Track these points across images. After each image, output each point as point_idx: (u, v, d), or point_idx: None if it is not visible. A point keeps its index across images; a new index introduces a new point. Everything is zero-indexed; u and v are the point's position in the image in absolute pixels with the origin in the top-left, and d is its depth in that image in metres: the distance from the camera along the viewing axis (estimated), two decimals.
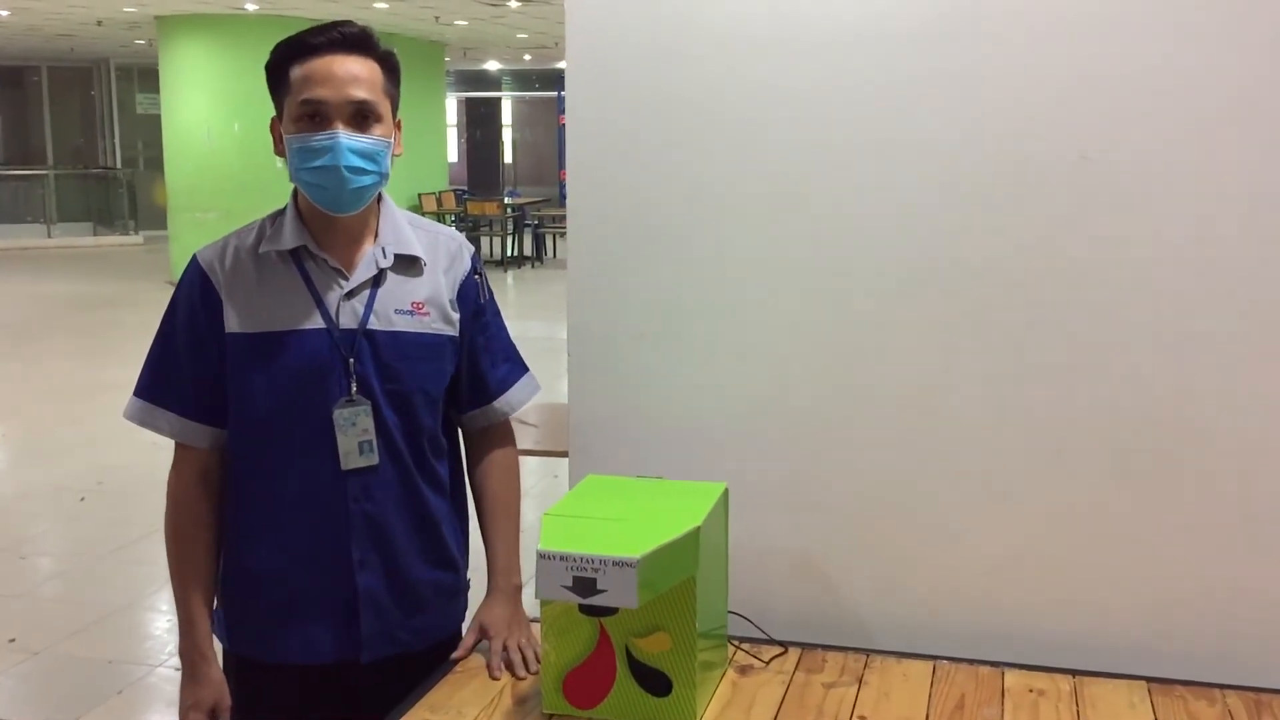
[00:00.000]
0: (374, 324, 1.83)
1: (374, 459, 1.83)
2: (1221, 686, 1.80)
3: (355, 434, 1.81)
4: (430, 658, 1.89)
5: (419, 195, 15.80)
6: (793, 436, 2.05)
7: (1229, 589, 1.89)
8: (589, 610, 1.67)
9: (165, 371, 1.87)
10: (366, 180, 1.79)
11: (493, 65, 23.20)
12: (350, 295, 1.83)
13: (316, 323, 1.81)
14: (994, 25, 1.88)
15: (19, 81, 20.65)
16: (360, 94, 1.78)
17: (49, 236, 18.68)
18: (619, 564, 1.55)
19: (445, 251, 1.93)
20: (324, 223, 1.84)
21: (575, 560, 1.57)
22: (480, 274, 1.97)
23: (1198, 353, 1.86)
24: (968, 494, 1.98)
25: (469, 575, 2.04)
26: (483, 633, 1.91)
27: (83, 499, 5.97)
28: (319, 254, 1.83)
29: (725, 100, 2.00)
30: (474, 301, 1.94)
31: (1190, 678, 1.82)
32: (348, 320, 1.82)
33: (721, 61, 2.00)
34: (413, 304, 1.86)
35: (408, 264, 1.88)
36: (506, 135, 26.67)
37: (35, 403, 8.16)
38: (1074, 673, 1.84)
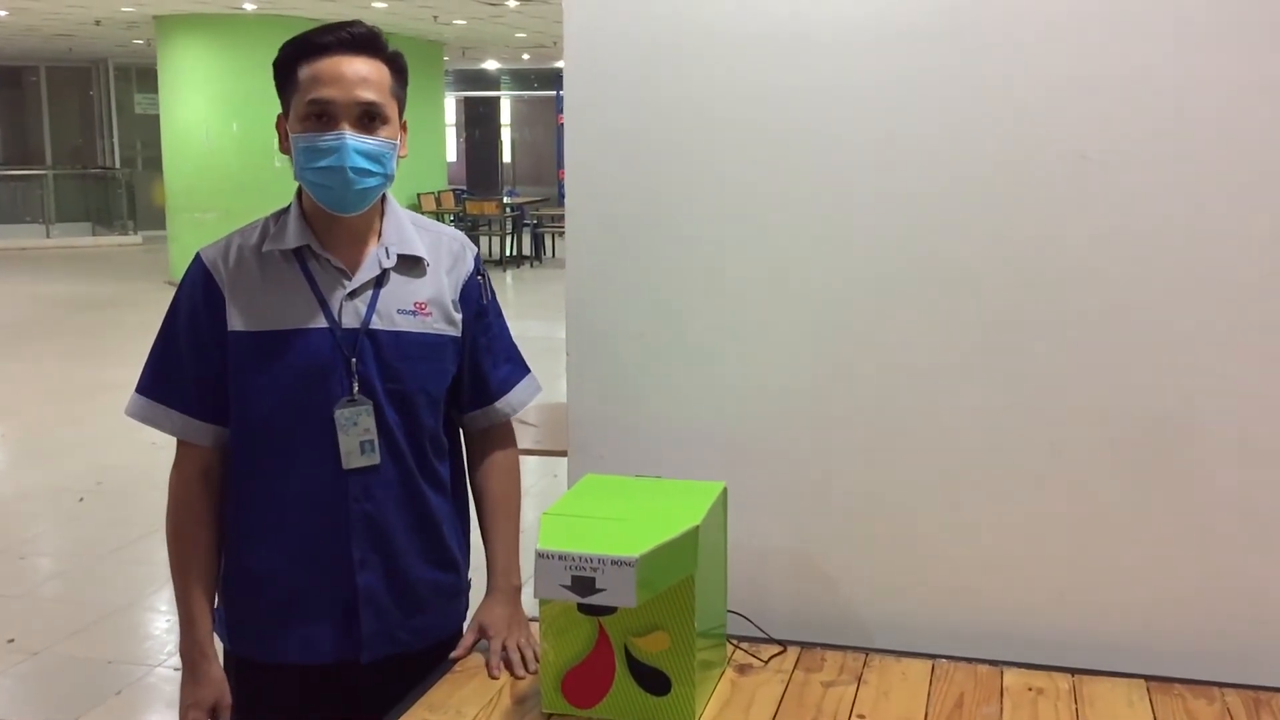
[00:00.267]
0: (376, 324, 1.84)
1: (375, 459, 1.83)
2: (1220, 685, 1.80)
3: (357, 434, 1.82)
4: (430, 658, 1.89)
5: (418, 195, 15.79)
6: (792, 436, 2.05)
7: (1227, 587, 1.89)
8: (588, 609, 1.67)
9: (167, 369, 1.87)
10: (371, 181, 1.79)
11: (491, 65, 23.19)
12: (353, 295, 1.84)
13: (319, 322, 1.82)
14: (993, 25, 1.88)
15: (17, 82, 20.64)
16: (368, 95, 1.78)
17: (48, 237, 18.67)
18: (618, 563, 1.55)
19: (448, 252, 1.93)
20: (328, 222, 1.84)
21: (574, 559, 1.57)
22: (483, 275, 1.98)
23: (1196, 351, 1.86)
24: (967, 493, 1.98)
25: (470, 575, 2.04)
26: (482, 632, 1.91)
27: (82, 499, 5.96)
28: (322, 254, 1.84)
29: (724, 99, 2.00)
30: (476, 302, 1.95)
31: (1189, 676, 1.82)
32: (350, 320, 1.83)
33: (720, 61, 2.00)
34: (415, 304, 1.86)
35: (411, 264, 1.88)
36: (505, 135, 26.67)
37: (34, 403, 8.16)
38: (1073, 671, 1.84)
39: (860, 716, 1.72)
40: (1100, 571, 1.93)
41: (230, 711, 1.87)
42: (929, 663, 1.88)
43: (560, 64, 2.08)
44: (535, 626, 1.91)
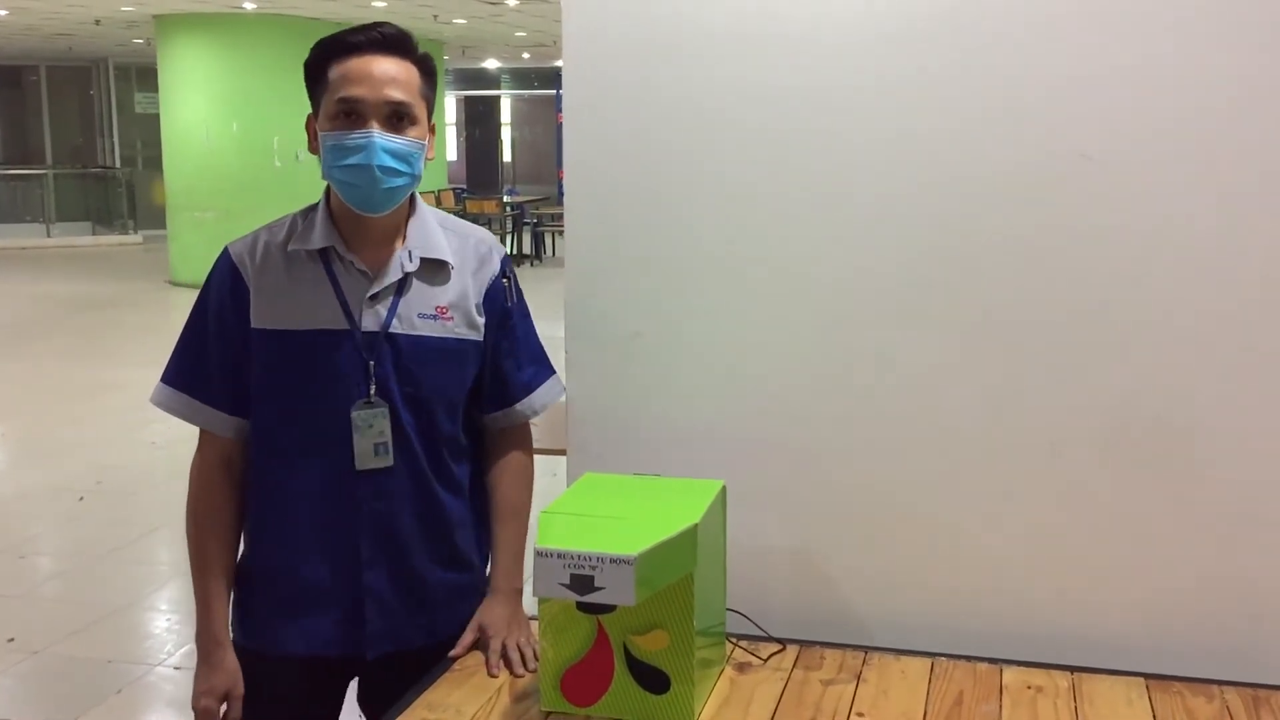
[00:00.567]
0: (396, 327, 1.84)
1: (389, 460, 1.84)
2: (1219, 683, 1.80)
3: (372, 436, 1.83)
4: (439, 654, 1.90)
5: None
6: (791, 434, 2.05)
7: (1227, 585, 1.89)
8: (587, 608, 1.67)
9: (192, 360, 1.89)
10: (399, 181, 1.80)
11: (491, 63, 23.19)
12: (375, 298, 1.84)
13: (340, 324, 1.83)
14: (992, 23, 1.88)
15: (17, 81, 20.64)
16: (397, 95, 1.79)
17: (48, 236, 18.67)
18: (616, 561, 1.55)
19: (474, 254, 1.94)
20: (354, 223, 1.85)
21: (573, 558, 1.57)
22: (509, 276, 1.98)
23: (1195, 350, 1.86)
24: (966, 491, 1.98)
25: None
26: (481, 632, 1.91)
27: (82, 499, 5.96)
28: (347, 255, 1.85)
29: (722, 98, 2.00)
30: (501, 304, 1.95)
31: (1188, 674, 1.82)
32: (370, 323, 1.83)
33: (719, 60, 2.00)
34: (437, 308, 1.87)
35: (434, 268, 1.89)
36: (505, 133, 26.66)
37: (34, 403, 8.15)
38: (1072, 669, 1.84)
39: (859, 715, 1.72)
40: (1099, 569, 1.93)
41: (241, 701, 1.89)
42: (928, 661, 1.88)
43: (560, 63, 2.08)
44: (535, 625, 1.91)
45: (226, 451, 1.90)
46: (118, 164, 20.26)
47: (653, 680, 1.69)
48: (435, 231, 1.91)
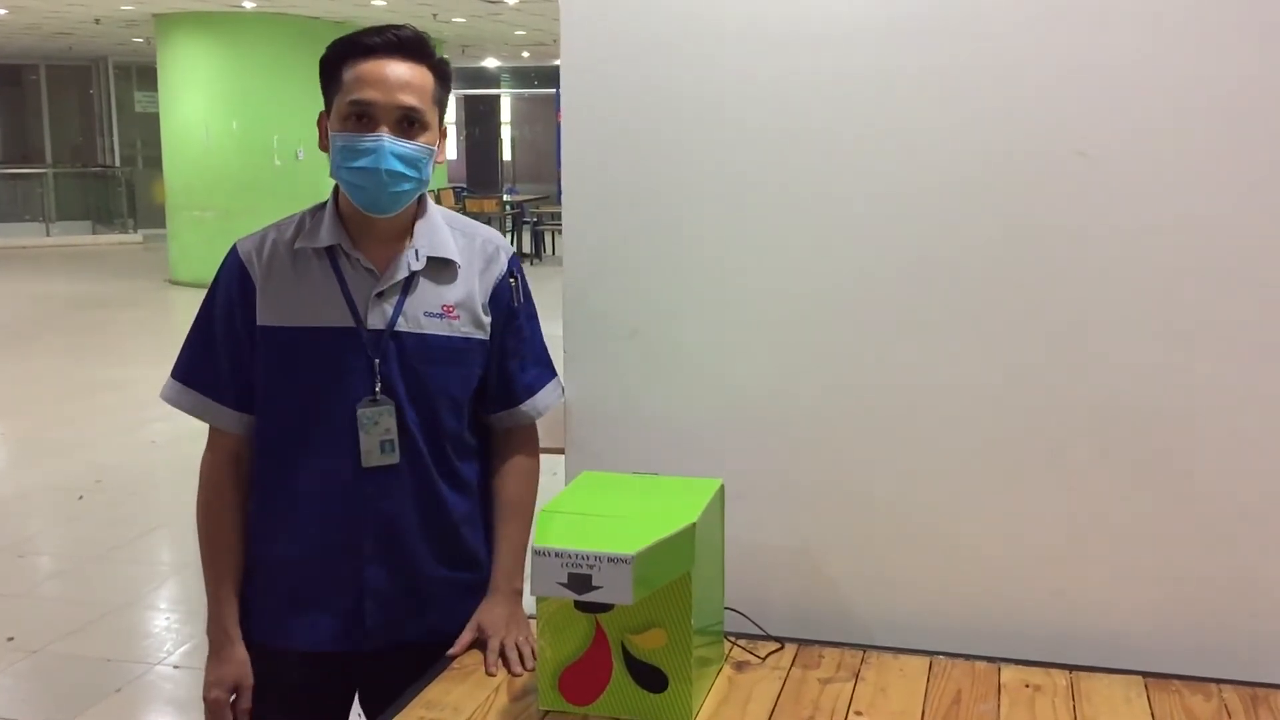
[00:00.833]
0: (402, 326, 1.85)
1: (394, 458, 1.85)
2: (1218, 681, 1.80)
3: (377, 433, 1.83)
4: (438, 650, 1.90)
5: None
6: (789, 432, 2.04)
7: (1225, 584, 1.89)
8: (584, 606, 1.67)
9: (200, 357, 1.91)
10: (406, 185, 1.81)
11: (491, 62, 23.19)
12: (381, 296, 1.85)
13: (345, 321, 1.83)
14: (989, 19, 1.88)
15: (17, 80, 20.63)
16: (409, 100, 1.79)
17: (47, 235, 18.67)
18: (614, 560, 1.55)
19: (481, 254, 1.94)
20: (361, 222, 1.86)
21: (570, 556, 1.57)
22: (516, 277, 1.98)
23: (1194, 348, 1.86)
24: (964, 490, 1.98)
25: None
26: (480, 632, 1.91)
27: (81, 498, 5.96)
28: (353, 253, 1.85)
29: (720, 96, 2.00)
30: (507, 304, 1.95)
31: (1186, 672, 1.82)
32: (376, 321, 1.84)
33: (716, 57, 2.00)
34: (443, 307, 1.87)
35: (441, 267, 1.89)
36: (505, 132, 26.66)
37: (34, 402, 8.15)
38: (1070, 668, 1.84)
39: (858, 714, 1.72)
40: (1098, 568, 1.93)
41: (250, 693, 1.90)
42: (926, 659, 1.88)
43: (560, 61, 2.08)
44: (533, 625, 1.91)
45: (235, 448, 1.91)
46: (117, 163, 20.25)
47: (651, 679, 1.69)
48: (443, 231, 1.92)
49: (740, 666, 1.87)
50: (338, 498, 1.86)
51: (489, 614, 1.92)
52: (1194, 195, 1.84)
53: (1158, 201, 1.85)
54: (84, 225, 19.37)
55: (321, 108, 1.87)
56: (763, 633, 1.95)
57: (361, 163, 1.78)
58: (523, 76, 25.14)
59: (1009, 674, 1.83)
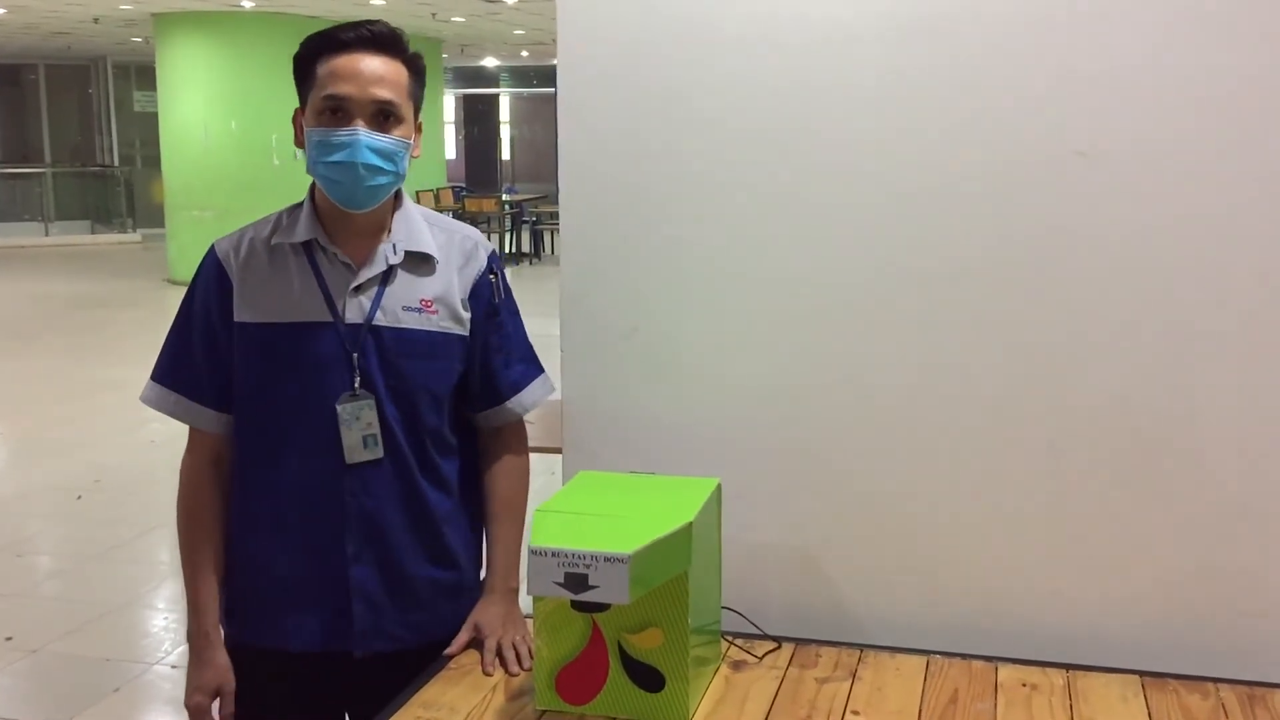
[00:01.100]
0: (380, 320, 1.84)
1: (378, 453, 1.84)
2: (1215, 680, 1.80)
3: (359, 428, 1.83)
4: (429, 655, 1.90)
5: (416, 192, 15.78)
6: (786, 432, 2.04)
7: (1222, 583, 1.89)
8: (581, 606, 1.67)
9: (180, 357, 1.90)
10: (382, 179, 1.81)
11: (490, 62, 23.18)
12: (358, 290, 1.85)
13: (323, 316, 1.83)
14: (988, 21, 1.88)
15: (16, 80, 20.63)
16: (384, 94, 1.79)
17: (46, 235, 18.66)
18: (611, 559, 1.55)
19: (460, 250, 1.94)
20: (338, 217, 1.86)
21: (567, 556, 1.57)
22: (497, 273, 1.97)
23: (1191, 347, 1.86)
24: (961, 489, 1.98)
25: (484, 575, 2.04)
26: (477, 631, 1.91)
27: (80, 497, 5.96)
28: (330, 248, 1.85)
29: (718, 96, 2.00)
30: (488, 301, 1.94)
31: (1183, 671, 1.82)
32: (354, 315, 1.84)
33: (714, 57, 2.00)
34: (421, 301, 1.87)
35: (419, 261, 1.89)
36: (504, 132, 26.66)
37: (32, 401, 8.15)
38: (1067, 667, 1.84)
39: (855, 713, 1.72)
40: (1095, 567, 1.93)
41: (233, 696, 1.89)
42: (923, 659, 1.88)
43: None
44: (530, 624, 1.91)
45: (216, 449, 1.90)
46: (116, 162, 20.25)
47: (648, 678, 1.69)
48: (420, 226, 1.92)
49: (737, 666, 1.87)
50: (320, 495, 1.85)
51: (485, 613, 1.92)
52: (1194, 195, 1.84)
53: (1157, 201, 1.85)
54: (83, 225, 19.36)
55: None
56: (760, 632, 1.95)
57: (337, 157, 1.78)
58: (522, 76, 25.14)
59: (1006, 673, 1.83)
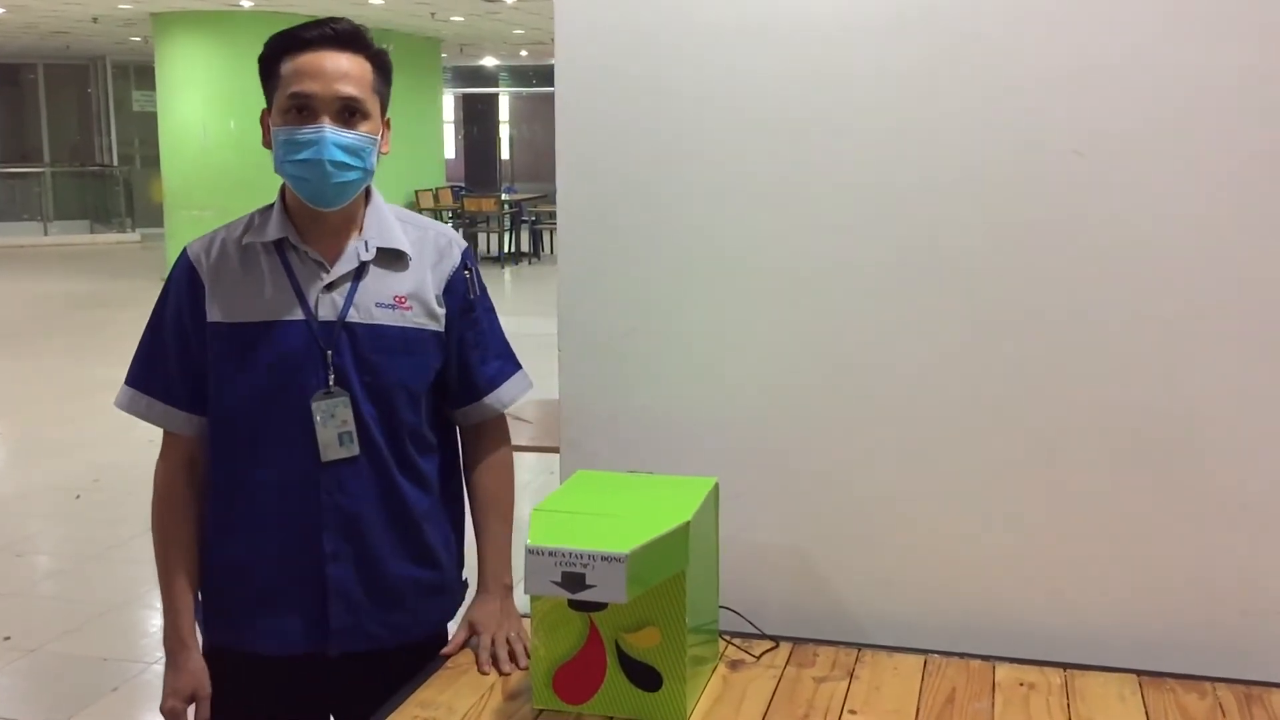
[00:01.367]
0: (353, 317, 1.84)
1: (354, 450, 1.83)
2: (1212, 679, 1.80)
3: (335, 425, 1.82)
4: (408, 655, 1.90)
5: (415, 192, 15.78)
6: (784, 431, 2.04)
7: (1219, 582, 1.89)
8: (578, 605, 1.67)
9: (152, 361, 1.89)
10: (350, 175, 1.80)
11: (489, 61, 23.18)
12: (330, 287, 1.84)
13: (296, 314, 1.82)
14: (986, 16, 1.88)
15: (15, 79, 20.62)
16: (348, 90, 1.79)
17: (45, 234, 18.66)
18: (608, 559, 1.55)
19: (434, 247, 1.93)
20: (309, 216, 1.85)
21: (564, 555, 1.57)
22: (471, 269, 1.97)
23: (1190, 347, 1.86)
24: (959, 488, 1.98)
25: (466, 575, 2.04)
26: (472, 630, 1.91)
27: (78, 497, 5.96)
28: (301, 246, 1.84)
29: (716, 91, 2.00)
30: (462, 297, 1.94)
31: (1181, 670, 1.82)
32: (327, 312, 1.83)
33: (712, 52, 2.00)
34: (395, 298, 1.86)
35: (392, 258, 1.88)
36: (504, 131, 26.66)
37: (31, 401, 8.16)
38: (1065, 666, 1.84)
39: (852, 712, 1.72)
40: (1092, 567, 1.93)
41: (209, 701, 1.89)
42: (921, 658, 1.88)
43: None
44: (527, 622, 1.91)
45: (190, 452, 1.90)
46: (115, 162, 20.25)
47: (645, 678, 1.69)
48: (391, 223, 1.91)
49: (735, 665, 1.87)
50: (297, 494, 1.84)
51: (480, 611, 1.92)
52: (1191, 193, 1.84)
53: (1154, 200, 1.85)
54: (82, 224, 19.36)
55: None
56: (757, 631, 1.95)
57: (304, 155, 1.77)
58: (521, 75, 25.14)
59: (1003, 672, 1.83)
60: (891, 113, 1.93)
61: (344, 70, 1.79)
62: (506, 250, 16.50)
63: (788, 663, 1.88)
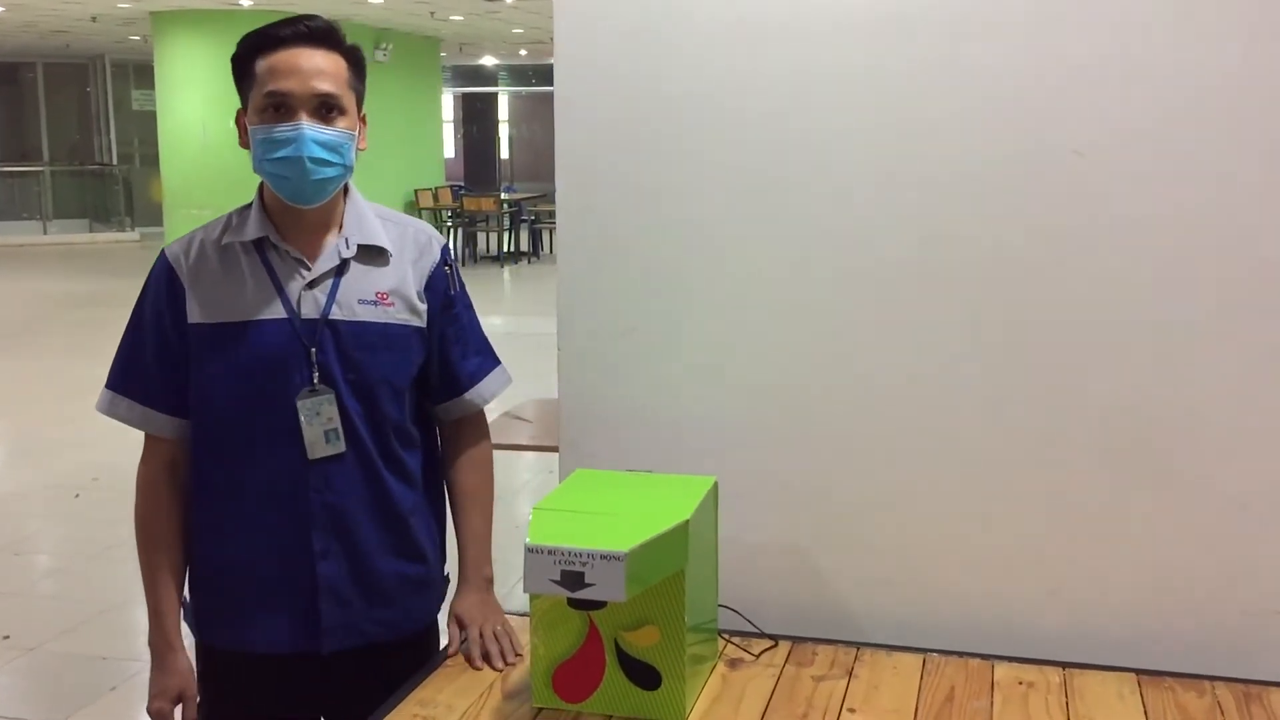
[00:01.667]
0: (336, 314, 1.84)
1: (340, 447, 1.84)
2: (1210, 678, 1.80)
3: (320, 423, 1.82)
4: (398, 650, 1.90)
5: (415, 191, 15.78)
6: (783, 430, 2.04)
7: (1217, 581, 1.89)
8: (577, 604, 1.67)
9: (132, 364, 1.89)
10: (330, 172, 1.80)
11: (489, 60, 23.18)
12: (312, 285, 1.84)
13: (278, 313, 1.82)
14: (984, 16, 1.88)
15: (14, 78, 20.62)
16: (325, 87, 1.78)
17: (45, 233, 18.65)
18: (607, 557, 1.55)
19: (414, 243, 1.93)
20: (288, 214, 1.85)
21: (563, 554, 1.57)
22: (450, 265, 1.97)
23: (1186, 348, 1.86)
24: (958, 487, 1.98)
25: (447, 570, 2.05)
26: (459, 623, 1.92)
27: (78, 496, 5.96)
28: (281, 245, 1.84)
29: (715, 90, 2.00)
30: (443, 293, 1.94)
31: (1179, 669, 1.82)
32: (309, 310, 1.83)
33: (711, 51, 2.00)
34: (377, 294, 1.87)
35: (372, 254, 1.88)
36: (503, 131, 26.66)
37: (31, 400, 8.15)
38: (1063, 665, 1.84)
39: (851, 711, 1.72)
40: (1091, 565, 1.93)
41: (195, 701, 1.89)
42: (920, 657, 1.88)
43: None
44: (516, 619, 1.93)
45: (171, 455, 1.89)
46: (115, 161, 20.24)
47: (644, 676, 1.69)
48: (371, 220, 1.91)
49: (734, 664, 1.87)
50: (284, 493, 1.84)
51: (463, 604, 1.93)
52: (1191, 194, 1.84)
53: (1154, 200, 1.85)
54: (81, 223, 19.35)
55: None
56: (756, 630, 1.95)
57: (282, 153, 1.77)
58: (520, 74, 25.14)
59: (1002, 671, 1.83)
60: (891, 113, 1.93)
61: (320, 67, 1.79)
62: (506, 250, 16.50)
63: (787, 661, 1.88)
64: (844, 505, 2.03)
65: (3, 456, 7.14)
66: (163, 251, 1.89)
